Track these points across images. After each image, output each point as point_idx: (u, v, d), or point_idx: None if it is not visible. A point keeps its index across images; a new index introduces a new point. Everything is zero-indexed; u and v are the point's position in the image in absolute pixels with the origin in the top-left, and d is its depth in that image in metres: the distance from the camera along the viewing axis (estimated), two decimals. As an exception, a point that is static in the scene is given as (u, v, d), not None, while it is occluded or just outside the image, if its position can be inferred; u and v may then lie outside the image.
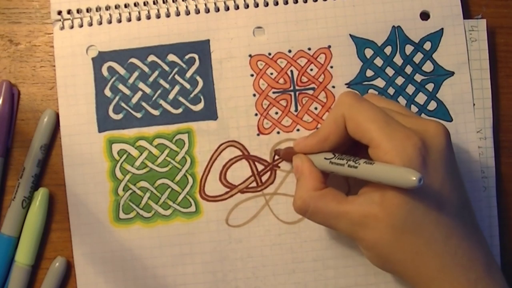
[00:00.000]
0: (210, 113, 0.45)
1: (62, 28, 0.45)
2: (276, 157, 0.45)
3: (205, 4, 0.45)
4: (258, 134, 0.45)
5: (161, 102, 0.45)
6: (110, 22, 0.45)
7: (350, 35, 0.45)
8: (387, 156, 0.35)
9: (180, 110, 0.45)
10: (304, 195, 0.39)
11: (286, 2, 0.45)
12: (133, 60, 0.45)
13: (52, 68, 0.46)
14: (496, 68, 0.46)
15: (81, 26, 0.45)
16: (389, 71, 0.45)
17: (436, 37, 0.45)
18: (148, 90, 0.45)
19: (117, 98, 0.45)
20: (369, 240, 0.36)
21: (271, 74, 0.45)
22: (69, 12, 0.45)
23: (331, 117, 0.39)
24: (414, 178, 0.32)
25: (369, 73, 0.45)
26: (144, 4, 0.45)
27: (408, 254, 0.36)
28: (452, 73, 0.45)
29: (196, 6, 0.45)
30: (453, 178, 0.37)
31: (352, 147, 0.40)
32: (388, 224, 0.35)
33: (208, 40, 0.45)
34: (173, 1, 0.45)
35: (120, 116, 0.45)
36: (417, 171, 0.33)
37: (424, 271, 0.36)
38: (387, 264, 0.37)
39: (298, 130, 0.45)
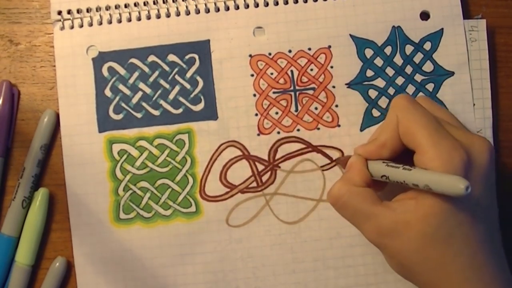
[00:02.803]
0: (210, 113, 0.45)
1: (62, 28, 0.45)
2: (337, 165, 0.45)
3: (205, 4, 0.45)
4: (258, 134, 0.45)
5: (161, 102, 0.45)
6: (110, 22, 0.45)
7: (350, 35, 0.45)
8: (432, 163, 0.35)
9: (180, 110, 0.45)
10: (342, 186, 0.38)
11: (286, 2, 0.45)
12: (133, 60, 0.45)
13: (52, 68, 0.46)
14: (496, 68, 0.46)
15: (81, 26, 0.45)
16: (389, 71, 0.45)
17: (436, 37, 0.45)
18: (148, 90, 0.45)
19: (117, 98, 0.45)
20: (396, 247, 0.36)
21: (271, 74, 0.45)
22: (69, 12, 0.45)
23: (387, 121, 0.39)
24: (462, 186, 0.32)
25: (369, 73, 0.45)
26: (144, 4, 0.45)
27: (433, 265, 0.36)
28: (452, 73, 0.45)
29: (196, 6, 0.45)
30: (490, 195, 0.37)
31: (403, 158, 0.39)
32: (419, 232, 0.35)
33: (208, 40, 0.45)
34: (173, 1, 0.45)
35: (120, 116, 0.45)
36: None
37: (446, 284, 0.36)
38: (409, 273, 0.37)
39: (298, 130, 0.45)
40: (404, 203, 0.36)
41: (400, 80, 0.45)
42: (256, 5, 0.45)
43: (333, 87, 0.45)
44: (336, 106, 0.45)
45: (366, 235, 0.38)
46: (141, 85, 0.45)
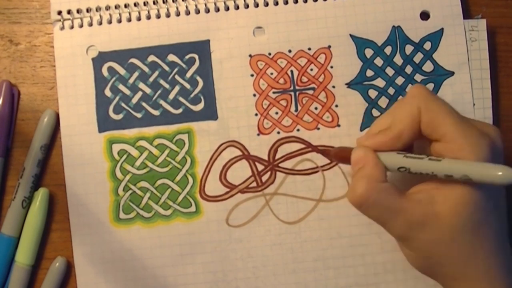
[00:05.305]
0: (210, 113, 0.45)
1: (62, 28, 0.45)
2: (326, 159, 0.44)
3: (205, 4, 0.45)
4: (258, 134, 0.45)
5: (161, 102, 0.45)
6: (110, 22, 0.45)
7: (350, 35, 0.45)
8: (461, 153, 0.34)
9: (180, 110, 0.45)
10: (366, 185, 0.36)
11: (286, 2, 0.45)
12: (133, 60, 0.45)
13: (52, 68, 0.46)
14: (496, 68, 0.46)
15: (81, 26, 0.45)
16: (389, 71, 0.45)
17: (436, 37, 0.45)
18: (148, 90, 0.45)
19: (117, 98, 0.45)
20: (426, 240, 0.36)
21: (271, 74, 0.45)
22: (69, 12, 0.45)
23: (405, 111, 0.37)
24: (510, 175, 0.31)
25: (369, 73, 0.45)
26: (144, 4, 0.45)
27: (462, 254, 0.35)
28: (452, 73, 0.45)
29: (196, 6, 0.45)
30: None
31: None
32: (450, 224, 0.35)
33: (208, 40, 0.45)
34: (173, 1, 0.45)
35: (120, 116, 0.45)
36: None
37: (472, 272, 0.36)
38: (435, 265, 0.37)
39: (298, 130, 0.45)
40: (429, 194, 0.35)
41: (400, 80, 0.45)
42: (256, 5, 0.45)
43: (333, 87, 0.45)
44: (336, 106, 0.45)
45: (393, 230, 0.37)
46: (141, 85, 0.45)
